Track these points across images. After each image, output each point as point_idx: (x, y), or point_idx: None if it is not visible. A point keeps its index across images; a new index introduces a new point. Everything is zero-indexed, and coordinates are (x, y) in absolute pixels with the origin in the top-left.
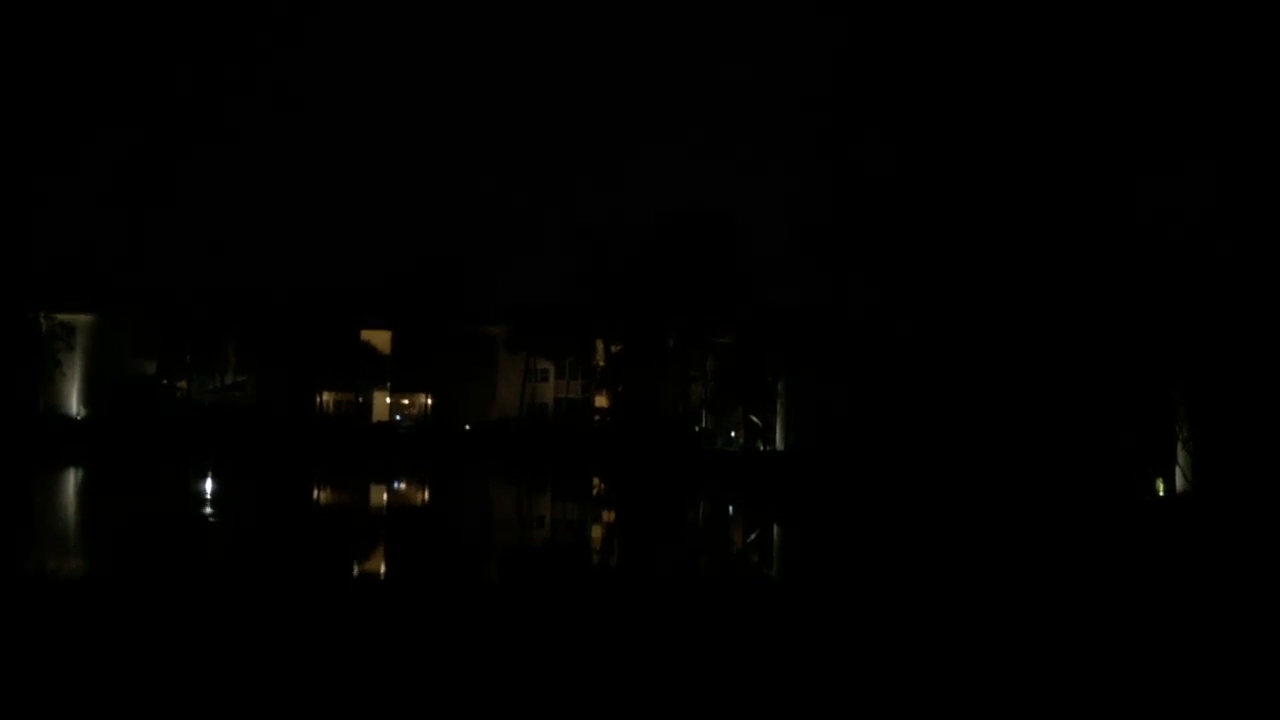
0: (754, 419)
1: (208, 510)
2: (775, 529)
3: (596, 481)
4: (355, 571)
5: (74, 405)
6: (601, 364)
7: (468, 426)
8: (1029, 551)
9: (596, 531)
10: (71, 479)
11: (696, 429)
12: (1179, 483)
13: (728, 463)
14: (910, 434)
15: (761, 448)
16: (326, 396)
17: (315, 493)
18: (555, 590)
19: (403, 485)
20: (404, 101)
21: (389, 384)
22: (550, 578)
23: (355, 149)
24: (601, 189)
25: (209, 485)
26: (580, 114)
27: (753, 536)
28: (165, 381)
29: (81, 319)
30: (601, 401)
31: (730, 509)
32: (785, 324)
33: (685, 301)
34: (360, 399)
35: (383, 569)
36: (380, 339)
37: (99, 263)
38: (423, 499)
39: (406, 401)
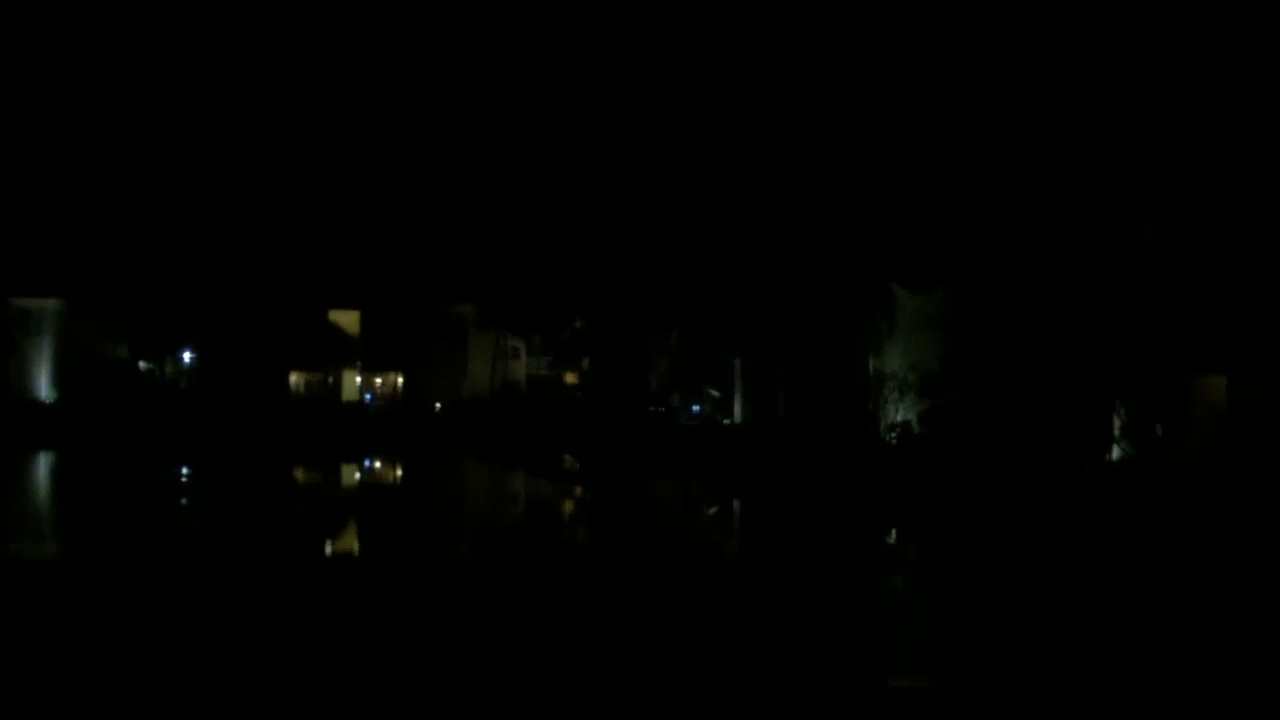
0: (714, 393)
1: (184, 492)
2: (730, 504)
3: (567, 459)
4: (331, 552)
5: (44, 388)
6: (569, 340)
7: (439, 405)
8: (979, 522)
9: (566, 507)
10: (43, 463)
11: (660, 404)
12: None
13: (686, 436)
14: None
15: (723, 421)
16: (296, 377)
17: (290, 473)
18: (527, 566)
19: (376, 464)
20: (367, 80)
21: (359, 363)
22: (522, 553)
23: (320, 130)
24: (563, 161)
25: (182, 468)
26: (539, 83)
27: (711, 511)
28: (137, 364)
29: (50, 303)
30: (571, 378)
31: (679, 485)
32: (740, 303)
33: (643, 279)
34: (330, 379)
35: (359, 549)
36: (349, 319)
37: (67, 245)
38: (396, 478)
39: (378, 380)
